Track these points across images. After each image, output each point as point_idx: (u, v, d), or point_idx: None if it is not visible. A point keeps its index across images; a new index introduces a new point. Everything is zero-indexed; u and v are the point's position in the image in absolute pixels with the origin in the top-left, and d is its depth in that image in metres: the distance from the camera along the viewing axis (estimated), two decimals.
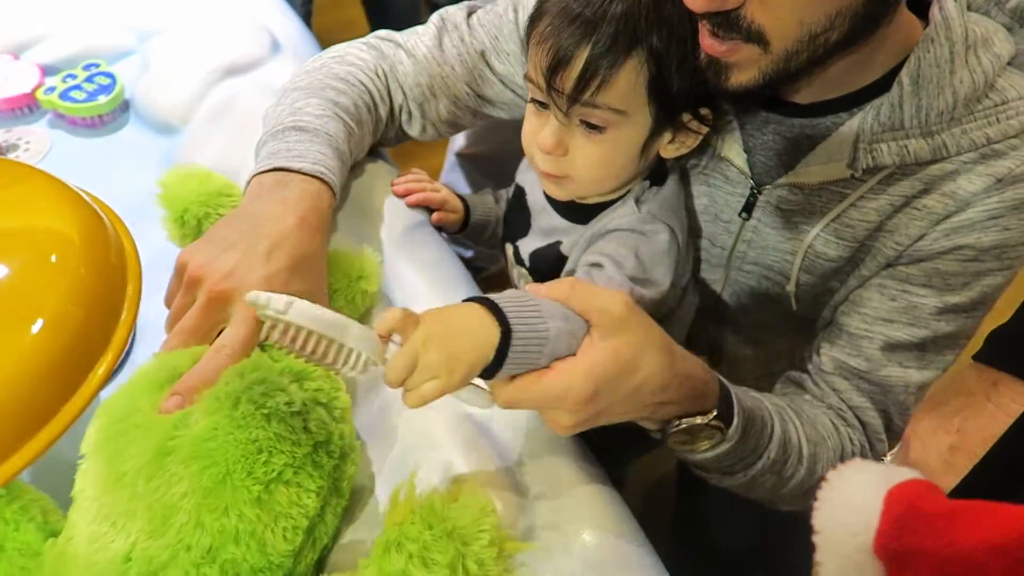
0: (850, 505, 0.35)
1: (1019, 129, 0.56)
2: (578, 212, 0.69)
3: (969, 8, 0.58)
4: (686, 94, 0.59)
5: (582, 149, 0.62)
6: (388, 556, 0.46)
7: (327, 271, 0.62)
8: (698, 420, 0.54)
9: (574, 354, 0.47)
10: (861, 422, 0.66)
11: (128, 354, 0.64)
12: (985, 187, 0.56)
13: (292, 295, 0.52)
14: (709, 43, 0.53)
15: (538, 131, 0.62)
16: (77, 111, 0.87)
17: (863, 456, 0.65)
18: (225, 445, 0.46)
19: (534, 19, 0.61)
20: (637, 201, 0.66)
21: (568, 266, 0.69)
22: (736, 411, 0.56)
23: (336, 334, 0.45)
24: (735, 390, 0.57)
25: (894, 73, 0.57)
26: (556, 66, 0.58)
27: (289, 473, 0.48)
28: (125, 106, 0.91)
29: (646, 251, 0.63)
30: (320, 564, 0.52)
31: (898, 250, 0.61)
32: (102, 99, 0.87)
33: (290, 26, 1.00)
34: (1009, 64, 0.58)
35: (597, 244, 0.65)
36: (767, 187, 0.65)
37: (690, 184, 0.70)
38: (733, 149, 0.66)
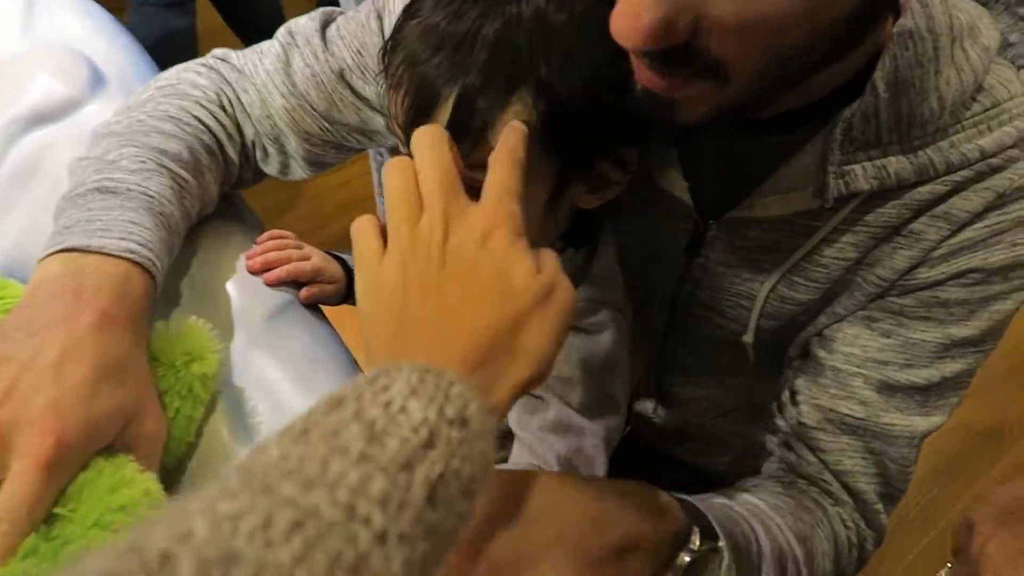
0: None
1: (1017, 137, 0.46)
2: None
3: None
4: (599, 135, 0.46)
5: None
6: None
7: (149, 371, 0.48)
8: (696, 542, 0.44)
9: None
10: (852, 493, 0.55)
11: None
12: (985, 203, 0.47)
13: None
14: (647, 76, 0.40)
15: None
16: None
17: (860, 538, 0.56)
18: None
19: (389, 50, 0.47)
20: None
21: None
22: (713, 522, 0.45)
23: None
24: (693, 500, 0.47)
25: (863, 75, 0.45)
26: (416, 116, 0.44)
27: None
28: None
29: (594, 358, 0.51)
30: None
31: (883, 285, 0.51)
32: None
33: (116, 52, 0.81)
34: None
35: None
36: (715, 221, 0.54)
37: (622, 219, 0.58)
38: (671, 177, 0.54)
